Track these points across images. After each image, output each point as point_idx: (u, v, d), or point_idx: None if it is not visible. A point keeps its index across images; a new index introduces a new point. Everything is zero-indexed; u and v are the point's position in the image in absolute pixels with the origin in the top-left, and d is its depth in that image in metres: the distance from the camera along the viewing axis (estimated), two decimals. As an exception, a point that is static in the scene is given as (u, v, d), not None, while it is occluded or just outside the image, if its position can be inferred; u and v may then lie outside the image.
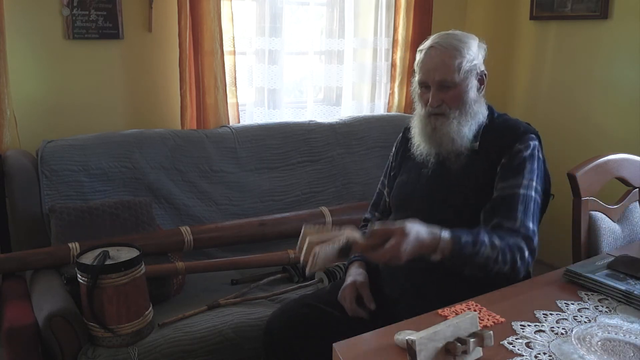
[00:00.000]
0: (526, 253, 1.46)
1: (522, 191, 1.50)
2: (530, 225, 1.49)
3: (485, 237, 1.42)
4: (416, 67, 1.61)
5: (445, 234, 1.39)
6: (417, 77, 1.61)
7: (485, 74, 1.62)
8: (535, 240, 1.49)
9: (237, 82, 2.68)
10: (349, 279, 1.66)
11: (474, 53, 1.57)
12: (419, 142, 1.64)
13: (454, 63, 1.52)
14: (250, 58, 2.77)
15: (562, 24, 2.89)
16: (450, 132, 1.55)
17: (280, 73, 2.76)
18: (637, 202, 1.93)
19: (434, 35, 1.60)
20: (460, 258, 1.39)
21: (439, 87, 1.55)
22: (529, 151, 1.54)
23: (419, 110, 1.63)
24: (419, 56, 1.60)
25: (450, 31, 1.60)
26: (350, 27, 2.90)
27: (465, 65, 1.54)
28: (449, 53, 1.53)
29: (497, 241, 1.42)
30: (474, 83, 1.58)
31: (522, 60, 3.13)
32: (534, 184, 1.53)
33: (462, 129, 1.56)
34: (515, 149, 1.53)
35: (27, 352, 1.69)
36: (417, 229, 1.35)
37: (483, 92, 1.62)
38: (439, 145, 1.58)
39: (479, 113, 1.59)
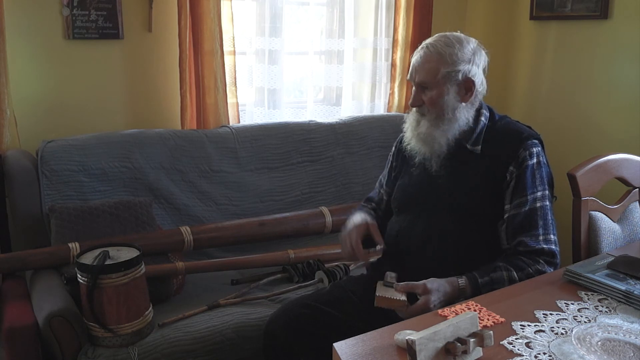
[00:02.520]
0: (549, 271, 1.51)
1: (538, 204, 1.54)
2: (552, 236, 1.54)
3: (502, 273, 1.48)
4: None
5: (462, 280, 1.47)
6: None
7: (474, 83, 1.57)
8: (557, 250, 1.54)
9: (237, 82, 2.68)
10: (357, 218, 1.70)
11: (462, 59, 1.55)
12: (409, 137, 1.68)
13: (432, 67, 1.55)
14: (250, 58, 2.77)
15: (562, 24, 2.89)
16: (422, 132, 1.60)
17: (280, 73, 2.76)
18: (637, 202, 1.93)
19: (434, 35, 1.62)
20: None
21: (419, 87, 1.59)
22: (534, 159, 1.55)
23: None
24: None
25: (449, 33, 1.60)
26: (350, 27, 2.90)
27: (443, 69, 1.54)
28: (432, 57, 1.56)
29: (515, 274, 1.48)
30: (452, 89, 1.56)
31: (522, 60, 3.13)
32: (546, 192, 1.56)
33: (434, 132, 1.58)
34: (521, 157, 1.54)
35: (27, 352, 1.69)
36: (437, 283, 1.44)
37: (472, 99, 1.59)
38: (422, 144, 1.62)
39: (460, 119, 1.58)
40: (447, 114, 1.57)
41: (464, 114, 1.59)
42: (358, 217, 1.71)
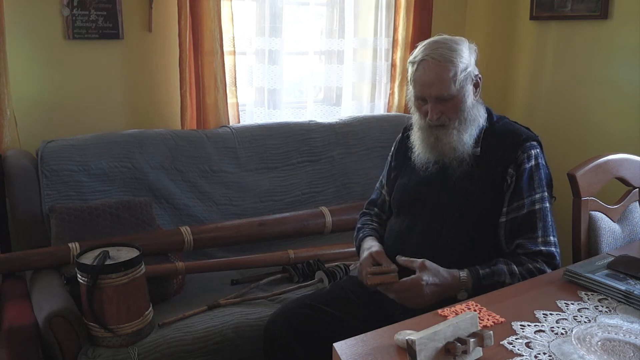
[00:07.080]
0: (548, 271, 1.51)
1: (537, 207, 1.54)
2: (551, 238, 1.54)
3: (502, 266, 1.49)
4: (410, 80, 1.60)
5: (463, 272, 1.48)
6: (412, 91, 1.60)
7: (479, 78, 1.61)
8: (557, 251, 1.54)
9: (237, 82, 2.68)
10: (364, 253, 1.66)
11: (466, 59, 1.56)
12: (420, 151, 1.64)
13: (449, 76, 1.52)
14: (250, 58, 2.77)
15: (562, 24, 2.89)
16: (452, 142, 1.56)
17: (280, 73, 2.75)
18: (637, 202, 1.93)
19: (423, 45, 1.58)
20: (482, 290, 1.44)
21: (437, 100, 1.54)
22: (532, 161, 1.55)
23: (418, 120, 1.63)
24: (411, 69, 1.59)
25: (438, 37, 1.58)
26: (350, 27, 2.90)
27: (460, 75, 1.53)
28: (443, 66, 1.52)
29: (515, 268, 1.49)
30: (470, 90, 1.57)
31: (522, 60, 3.13)
32: (545, 194, 1.56)
33: (463, 137, 1.56)
34: (520, 160, 1.54)
35: (27, 352, 1.69)
36: (436, 266, 1.45)
37: (479, 95, 1.62)
38: (442, 154, 1.59)
39: (478, 117, 1.60)
40: (470, 115, 1.57)
41: (481, 111, 1.61)
42: (366, 251, 1.65)
